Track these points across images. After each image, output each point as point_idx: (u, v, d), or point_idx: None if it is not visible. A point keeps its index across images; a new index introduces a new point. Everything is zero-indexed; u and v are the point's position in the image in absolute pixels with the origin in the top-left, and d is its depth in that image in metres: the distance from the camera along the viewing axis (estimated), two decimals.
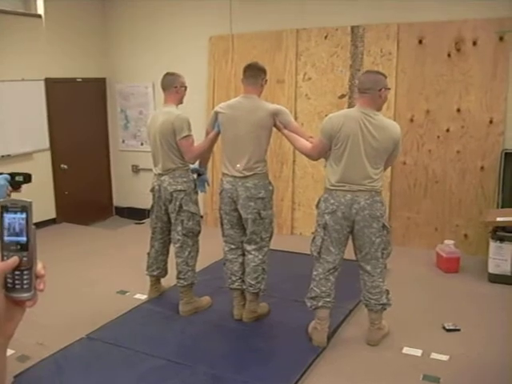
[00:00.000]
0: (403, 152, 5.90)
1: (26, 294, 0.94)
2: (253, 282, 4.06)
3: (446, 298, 4.70)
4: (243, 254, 4.16)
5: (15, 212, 0.94)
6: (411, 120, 5.90)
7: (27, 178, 2.44)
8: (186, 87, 4.35)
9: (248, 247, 4.08)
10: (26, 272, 0.94)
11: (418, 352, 3.73)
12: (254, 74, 4.03)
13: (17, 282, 0.94)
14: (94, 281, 5.08)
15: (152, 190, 4.45)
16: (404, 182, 6.02)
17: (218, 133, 4.12)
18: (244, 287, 4.14)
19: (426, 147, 5.89)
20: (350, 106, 6.07)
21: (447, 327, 4.08)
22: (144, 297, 4.69)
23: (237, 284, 4.17)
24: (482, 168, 5.69)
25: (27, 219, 0.94)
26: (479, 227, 5.58)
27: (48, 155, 7.02)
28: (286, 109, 4.12)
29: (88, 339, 3.87)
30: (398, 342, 3.86)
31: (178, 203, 4.22)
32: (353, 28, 6.05)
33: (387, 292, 3.81)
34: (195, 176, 4.44)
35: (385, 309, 3.82)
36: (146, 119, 7.47)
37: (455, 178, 5.82)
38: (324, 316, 3.79)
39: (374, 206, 3.60)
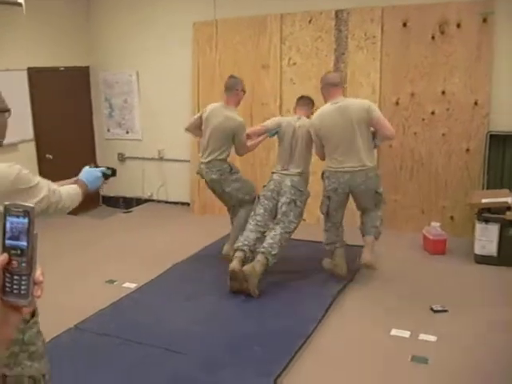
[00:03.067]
0: None
1: (22, 301, 0.94)
2: (266, 245, 4.44)
3: (433, 280, 4.75)
4: (264, 234, 4.61)
5: (17, 216, 0.93)
6: (396, 103, 5.91)
7: (114, 172, 2.64)
8: (245, 91, 5.01)
9: (275, 226, 4.61)
10: (24, 278, 0.93)
11: (407, 334, 3.77)
12: (307, 103, 4.97)
13: (15, 286, 0.93)
14: (82, 271, 5.06)
15: (197, 173, 5.16)
16: (390, 165, 6.03)
17: (266, 136, 5.00)
18: (248, 253, 4.49)
19: (412, 130, 5.90)
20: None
21: (435, 308, 4.12)
22: (133, 285, 4.68)
23: (245, 247, 4.50)
24: (468, 150, 5.71)
25: (29, 224, 0.93)
26: (465, 209, 5.62)
27: (32, 145, 6.95)
28: (311, 124, 4.68)
29: (76, 329, 3.86)
30: (386, 325, 3.90)
31: (220, 189, 4.96)
32: (337, 12, 6.03)
33: (381, 219, 4.72)
34: None
35: (379, 232, 4.69)
36: (131, 108, 7.47)
37: (441, 160, 5.85)
38: (342, 253, 4.71)
39: (367, 182, 4.47)
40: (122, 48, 7.37)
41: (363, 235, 4.72)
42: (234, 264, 4.38)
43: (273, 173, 4.89)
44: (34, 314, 2.06)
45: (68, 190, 2.22)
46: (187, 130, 5.32)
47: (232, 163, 5.02)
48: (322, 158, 4.74)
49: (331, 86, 4.53)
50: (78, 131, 7.66)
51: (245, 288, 4.32)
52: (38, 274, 0.95)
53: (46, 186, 2.06)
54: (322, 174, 4.70)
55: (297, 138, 4.76)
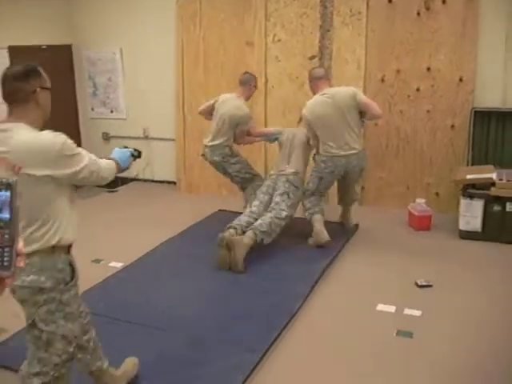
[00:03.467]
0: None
1: (5, 272, 0.95)
2: (255, 224, 4.65)
3: (418, 256, 4.79)
4: (256, 220, 4.76)
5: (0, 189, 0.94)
6: (382, 80, 5.90)
7: (140, 154, 2.82)
8: (256, 87, 5.55)
9: (266, 213, 4.80)
10: (6, 249, 0.94)
11: (392, 308, 3.81)
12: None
13: None
14: None
15: (202, 155, 5.61)
16: (376, 143, 6.04)
17: (267, 139, 5.62)
18: (239, 231, 4.60)
19: (398, 107, 5.90)
20: (321, 67, 6.05)
21: (420, 283, 4.17)
22: (119, 264, 4.68)
23: (237, 226, 4.65)
24: (453, 126, 5.73)
25: (11, 197, 0.94)
26: (450, 185, 5.66)
27: None
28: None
29: None
30: (372, 300, 3.94)
31: (222, 170, 5.50)
32: None
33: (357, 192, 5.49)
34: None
35: (355, 200, 5.42)
36: (115, 86, 7.39)
37: (426, 137, 5.86)
38: (321, 220, 4.95)
39: (360, 162, 4.92)
40: (105, 25, 7.27)
41: (341, 202, 5.42)
42: (225, 234, 4.53)
43: (270, 175, 5.25)
44: (73, 277, 2.38)
45: (104, 164, 2.47)
46: (200, 113, 5.74)
47: (232, 147, 5.44)
48: (318, 148, 5.01)
49: (317, 80, 4.97)
50: (62, 111, 7.54)
51: (231, 259, 4.40)
52: (20, 245, 0.96)
53: (87, 156, 2.35)
54: (314, 155, 5.08)
55: (295, 144, 5.18)
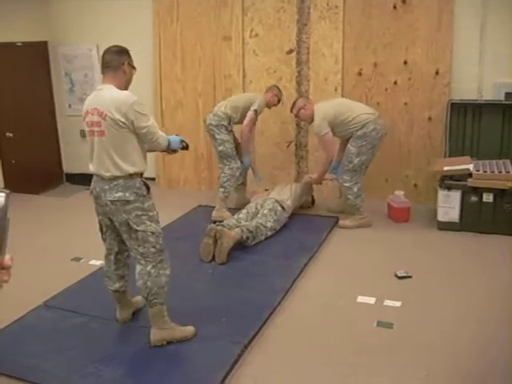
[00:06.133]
0: None
1: None
2: (244, 223, 4.89)
3: (398, 247, 4.84)
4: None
5: None
6: (359, 74, 5.93)
7: (188, 146, 3.45)
8: (279, 100, 5.81)
9: (254, 220, 5.00)
10: None
11: (372, 300, 3.84)
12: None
13: None
14: (47, 250, 5.00)
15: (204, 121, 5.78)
16: None
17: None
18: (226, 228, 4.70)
19: (375, 100, 5.94)
20: (298, 61, 6.07)
21: (399, 275, 4.21)
22: (99, 262, 4.64)
23: (225, 224, 4.79)
24: (430, 119, 5.79)
25: (1, 209, 0.91)
26: (428, 177, 5.72)
27: None
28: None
29: (44, 307, 3.82)
30: (352, 292, 3.97)
31: (212, 136, 5.65)
32: None
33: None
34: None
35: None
36: (92, 82, 7.33)
37: (404, 129, 5.91)
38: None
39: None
40: (80, 21, 7.17)
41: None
42: (214, 225, 4.70)
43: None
44: (148, 191, 3.15)
45: (161, 134, 3.21)
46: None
47: (232, 129, 5.62)
48: (334, 155, 5.39)
49: (307, 103, 5.40)
50: (39, 108, 7.49)
51: (217, 248, 4.48)
52: (6, 258, 0.93)
53: (151, 121, 3.13)
54: (360, 128, 5.08)
55: (288, 186, 5.64)
